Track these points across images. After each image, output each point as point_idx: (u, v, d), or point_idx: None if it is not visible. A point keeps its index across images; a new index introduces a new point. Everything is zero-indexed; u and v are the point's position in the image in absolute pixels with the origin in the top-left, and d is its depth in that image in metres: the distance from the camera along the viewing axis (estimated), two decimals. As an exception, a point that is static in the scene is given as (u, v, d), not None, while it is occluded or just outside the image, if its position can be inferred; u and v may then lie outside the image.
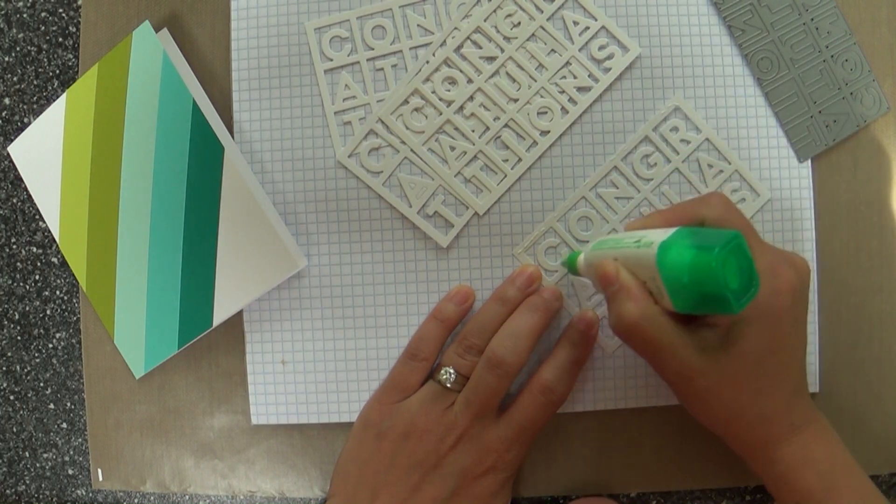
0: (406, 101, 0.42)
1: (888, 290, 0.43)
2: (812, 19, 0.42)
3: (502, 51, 0.42)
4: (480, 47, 0.42)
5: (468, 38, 0.42)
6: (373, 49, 0.43)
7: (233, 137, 0.43)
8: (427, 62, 0.42)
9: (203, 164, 0.41)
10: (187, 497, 0.45)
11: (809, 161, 0.42)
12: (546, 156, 0.42)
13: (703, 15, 0.42)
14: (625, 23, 0.42)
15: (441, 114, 0.42)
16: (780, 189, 0.42)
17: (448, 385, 0.40)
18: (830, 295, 0.43)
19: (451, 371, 0.40)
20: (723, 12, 0.42)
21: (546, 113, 0.42)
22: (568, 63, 0.42)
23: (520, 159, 0.42)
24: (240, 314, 0.43)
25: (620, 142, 0.42)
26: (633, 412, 0.43)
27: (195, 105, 0.41)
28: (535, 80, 0.42)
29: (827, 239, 0.43)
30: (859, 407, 0.43)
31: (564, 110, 0.42)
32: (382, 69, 0.43)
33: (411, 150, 0.42)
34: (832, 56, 0.42)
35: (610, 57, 0.42)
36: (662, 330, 0.33)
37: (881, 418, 0.43)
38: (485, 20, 0.42)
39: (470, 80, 0.42)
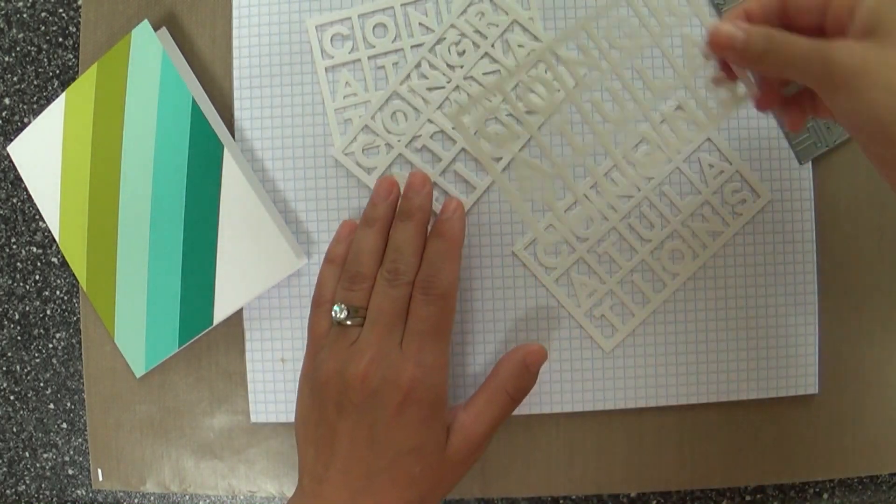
0: (401, 98, 0.42)
1: (888, 289, 0.43)
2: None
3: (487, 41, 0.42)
4: (478, 46, 0.42)
5: (464, 36, 0.42)
6: (374, 47, 0.43)
7: (233, 136, 0.43)
8: (422, 59, 0.42)
9: (203, 163, 0.41)
10: (187, 497, 0.45)
11: (810, 163, 0.42)
12: (546, 155, 0.42)
13: (705, 16, 0.42)
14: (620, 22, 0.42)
15: (433, 111, 0.42)
16: (780, 190, 0.42)
17: (346, 322, 0.38)
18: (830, 295, 0.43)
19: (342, 306, 0.38)
20: (723, 13, 0.42)
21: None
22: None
23: (513, 158, 0.42)
24: (239, 313, 0.43)
25: (621, 141, 0.42)
26: (633, 412, 0.43)
27: (195, 104, 0.41)
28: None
29: (827, 239, 0.43)
30: (859, 407, 0.43)
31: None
32: (383, 67, 0.43)
33: (405, 146, 0.42)
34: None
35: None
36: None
37: (881, 418, 0.43)
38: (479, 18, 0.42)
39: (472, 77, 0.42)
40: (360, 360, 0.37)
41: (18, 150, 0.44)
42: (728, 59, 0.36)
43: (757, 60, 0.34)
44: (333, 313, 0.38)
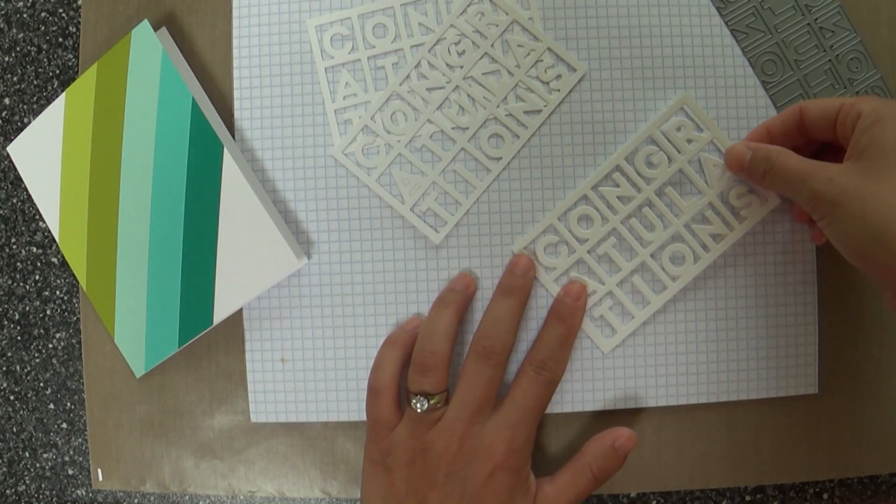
0: (401, 98, 0.42)
1: (888, 290, 0.43)
2: (816, 20, 0.42)
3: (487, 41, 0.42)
4: (478, 46, 0.42)
5: (464, 36, 0.42)
6: (374, 47, 0.43)
7: (233, 136, 0.43)
8: (422, 59, 0.42)
9: (202, 163, 0.41)
10: (187, 497, 0.45)
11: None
12: (546, 155, 0.42)
13: (706, 16, 0.42)
14: (626, 23, 0.42)
15: (433, 111, 0.42)
16: (781, 190, 0.42)
17: (425, 410, 0.39)
18: (830, 295, 0.43)
19: (420, 398, 0.39)
20: (725, 15, 0.42)
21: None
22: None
23: (513, 156, 0.42)
24: (239, 313, 0.43)
25: (621, 141, 0.42)
26: (633, 412, 0.43)
27: (194, 103, 0.41)
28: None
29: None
30: (859, 407, 0.43)
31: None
32: (383, 67, 0.43)
33: (405, 146, 0.42)
34: (837, 56, 0.42)
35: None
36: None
37: (881, 418, 0.43)
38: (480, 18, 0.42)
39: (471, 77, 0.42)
40: (450, 437, 0.38)
41: (18, 150, 0.44)
42: (740, 176, 0.40)
43: (760, 179, 0.39)
44: (415, 407, 0.39)
